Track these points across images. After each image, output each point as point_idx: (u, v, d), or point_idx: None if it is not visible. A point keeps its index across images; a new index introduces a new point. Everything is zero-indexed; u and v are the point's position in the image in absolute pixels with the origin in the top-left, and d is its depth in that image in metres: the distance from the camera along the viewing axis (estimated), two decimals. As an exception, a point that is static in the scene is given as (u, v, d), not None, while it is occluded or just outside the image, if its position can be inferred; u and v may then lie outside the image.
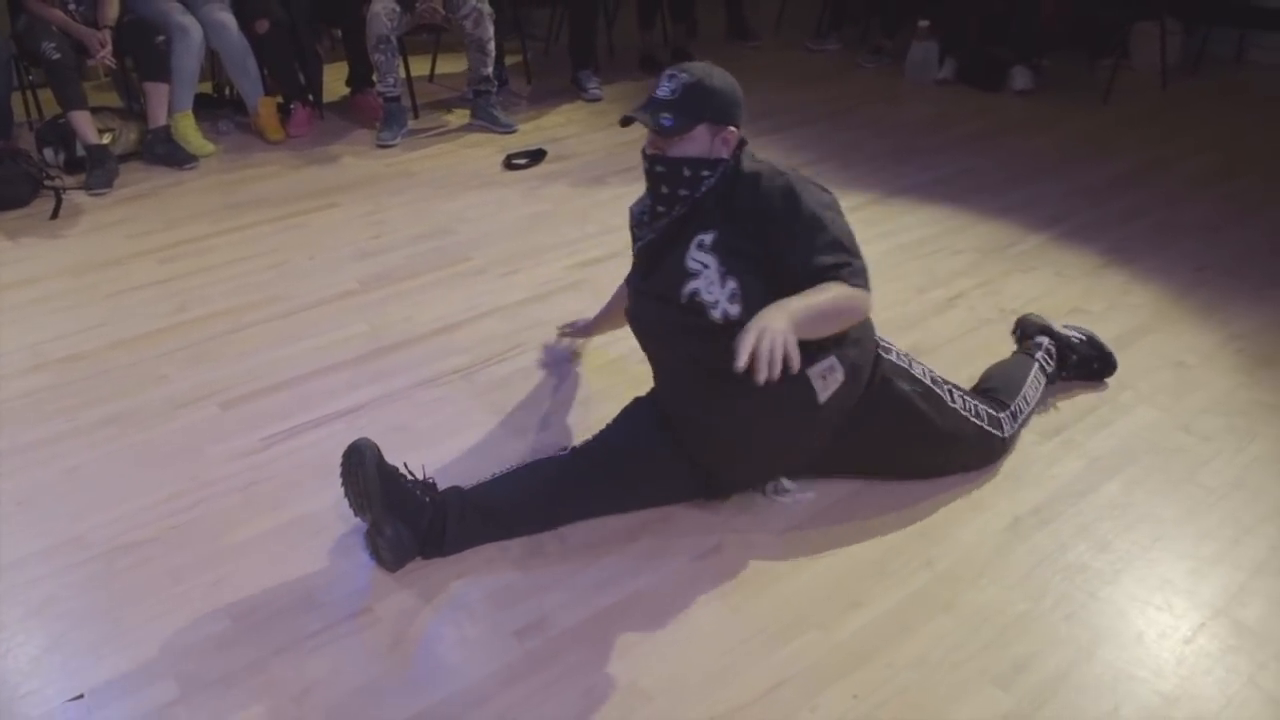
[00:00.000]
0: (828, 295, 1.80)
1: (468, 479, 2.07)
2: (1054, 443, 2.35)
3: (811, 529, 2.07)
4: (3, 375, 2.60)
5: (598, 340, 2.70)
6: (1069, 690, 1.71)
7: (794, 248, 1.85)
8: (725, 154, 1.93)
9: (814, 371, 1.92)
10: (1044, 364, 2.46)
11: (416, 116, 4.45)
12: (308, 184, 3.78)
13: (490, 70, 4.34)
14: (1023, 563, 1.99)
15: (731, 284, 1.89)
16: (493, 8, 4.26)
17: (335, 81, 4.64)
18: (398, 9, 4.14)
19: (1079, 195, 3.74)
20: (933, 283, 3.09)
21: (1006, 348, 2.72)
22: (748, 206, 1.90)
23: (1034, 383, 2.39)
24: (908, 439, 2.13)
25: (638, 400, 2.17)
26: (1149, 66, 5.04)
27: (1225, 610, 1.88)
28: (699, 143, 1.90)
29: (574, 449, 2.11)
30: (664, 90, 1.89)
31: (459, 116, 4.53)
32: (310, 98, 4.40)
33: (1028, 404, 2.34)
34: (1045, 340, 2.53)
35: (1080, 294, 3.02)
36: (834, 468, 2.17)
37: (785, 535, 2.05)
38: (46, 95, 3.94)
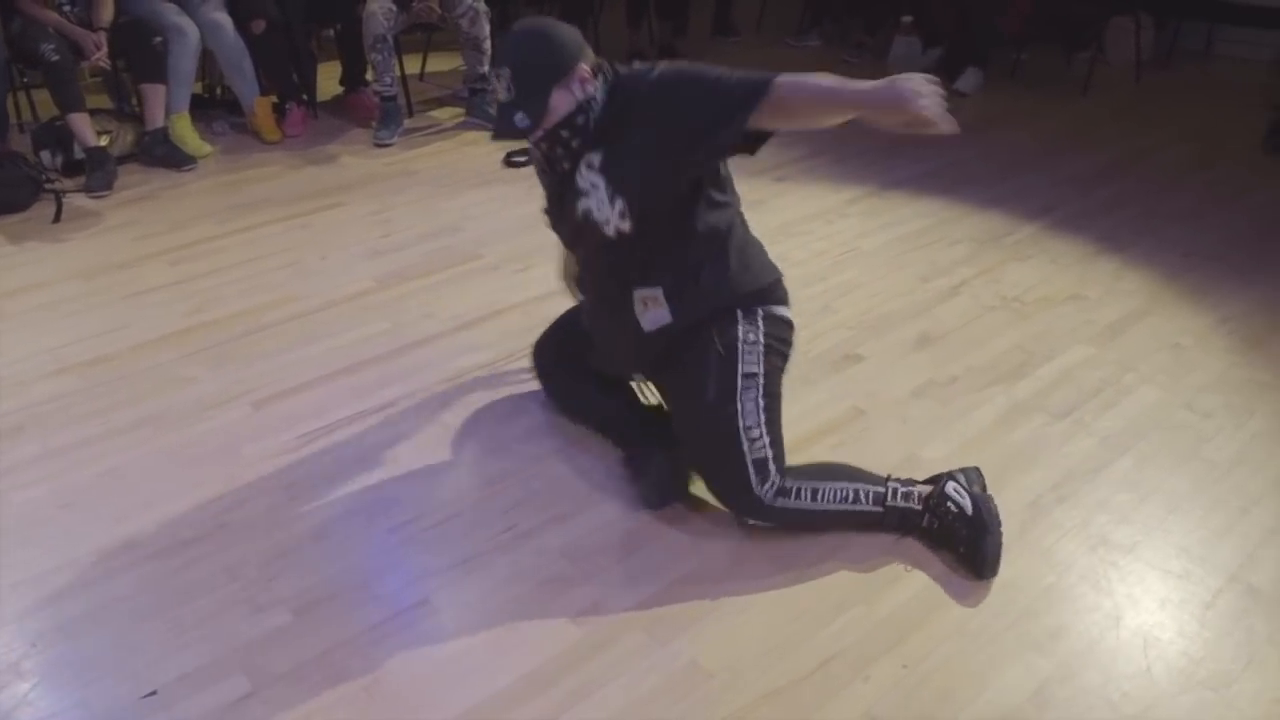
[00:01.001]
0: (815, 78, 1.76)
1: (498, 471, 2.12)
2: (1065, 423, 2.45)
3: (845, 510, 2.14)
4: (27, 379, 2.61)
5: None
6: (1102, 654, 1.80)
7: (698, 122, 1.81)
8: (590, 90, 1.87)
9: (638, 293, 2.00)
10: (889, 496, 2.06)
11: (411, 115, 4.48)
12: (310, 184, 3.80)
13: (486, 68, 4.38)
14: (1046, 537, 2.08)
15: (620, 202, 1.90)
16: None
17: (326, 81, 4.65)
18: (394, 8, 4.16)
19: (1066, 185, 3.86)
20: (935, 272, 3.18)
21: (1012, 333, 2.83)
22: (633, 117, 1.87)
23: (846, 494, 2.04)
24: (685, 393, 2.05)
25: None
26: (1123, 60, 5.18)
27: (1239, 575, 1.99)
28: (563, 104, 1.85)
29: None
30: (502, 94, 1.85)
31: (453, 114, 4.56)
32: (305, 97, 4.41)
33: (815, 499, 2.02)
34: (923, 490, 2.09)
35: (1076, 281, 3.13)
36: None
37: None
38: (39, 97, 3.92)
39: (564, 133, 1.90)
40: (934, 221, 3.53)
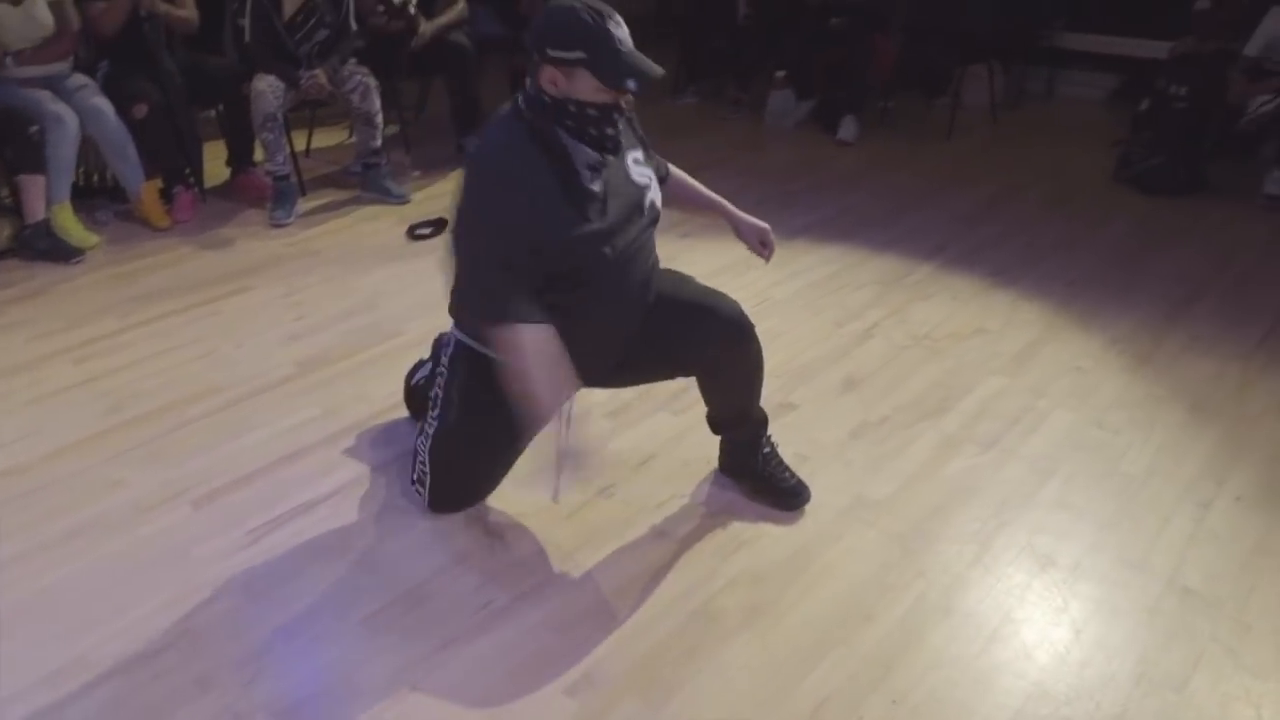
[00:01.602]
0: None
1: (462, 548, 2.11)
2: (994, 452, 2.60)
3: (810, 554, 2.22)
4: (-65, 498, 2.45)
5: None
6: (1070, 668, 1.92)
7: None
8: None
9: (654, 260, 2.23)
10: None
11: (304, 193, 4.41)
12: (211, 269, 3.69)
13: (379, 142, 4.36)
14: (997, 564, 2.20)
15: (657, 188, 2.16)
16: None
17: (211, 163, 4.53)
18: (282, 85, 4.12)
19: (952, 224, 4.11)
20: (847, 316, 3.33)
21: (929, 370, 2.99)
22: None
23: None
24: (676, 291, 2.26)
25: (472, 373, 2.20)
26: (978, 104, 5.55)
27: (1174, 579, 2.15)
28: None
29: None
30: (629, 39, 1.91)
31: (347, 191, 4.51)
32: (192, 181, 4.29)
33: None
34: None
35: (978, 314, 3.33)
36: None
37: (786, 564, 2.19)
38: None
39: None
40: (838, 267, 3.69)
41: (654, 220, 2.15)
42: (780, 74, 5.44)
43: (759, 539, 2.28)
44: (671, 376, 2.37)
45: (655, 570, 2.18)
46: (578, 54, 1.85)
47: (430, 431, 2.26)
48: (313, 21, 4.23)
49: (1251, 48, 4.45)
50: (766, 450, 2.40)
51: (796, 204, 4.31)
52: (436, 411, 2.25)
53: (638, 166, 2.10)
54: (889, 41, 5.41)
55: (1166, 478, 2.49)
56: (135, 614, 2.06)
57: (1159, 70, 4.78)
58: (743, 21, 5.81)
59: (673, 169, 2.38)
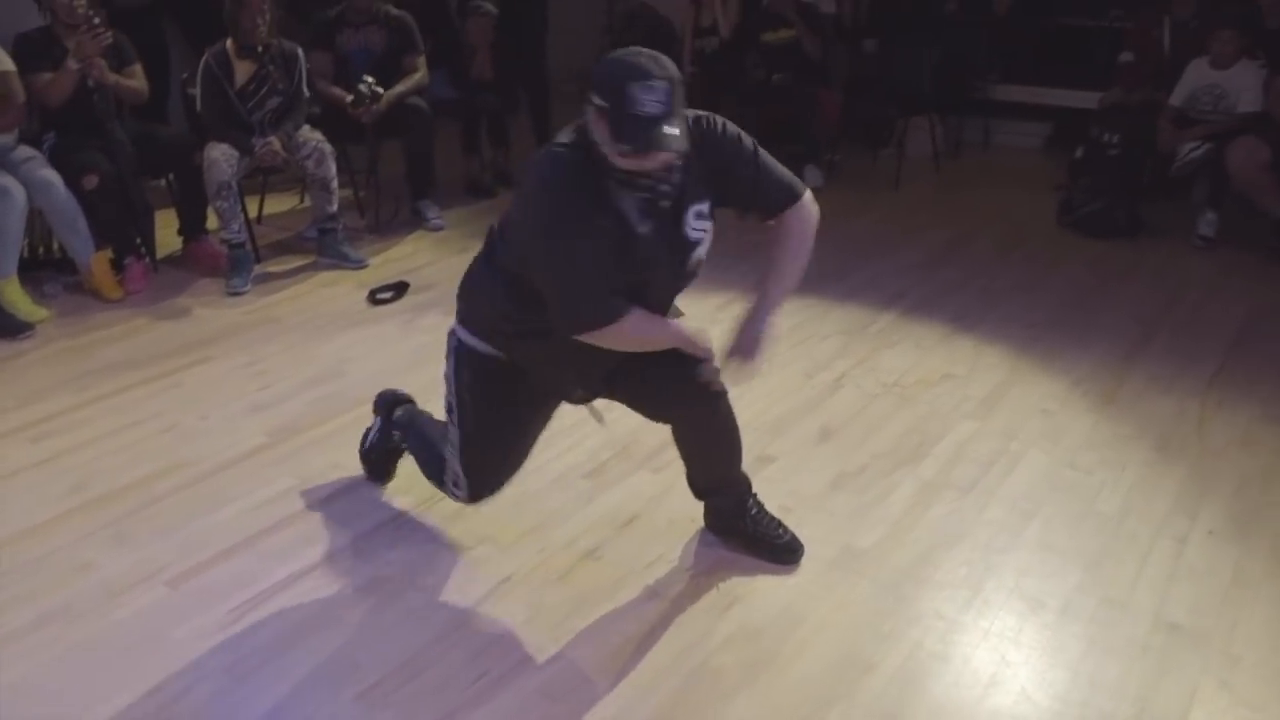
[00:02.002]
0: (800, 246, 2.15)
1: (453, 616, 2.07)
2: (973, 495, 2.64)
3: (804, 607, 2.21)
4: (-111, 591, 2.33)
5: (540, 460, 2.77)
6: (1075, 705, 1.93)
7: (756, 189, 2.06)
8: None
9: (674, 308, 2.24)
10: None
11: (259, 260, 4.36)
12: (168, 341, 3.61)
13: (335, 207, 4.34)
14: (989, 605, 2.22)
15: (709, 242, 2.09)
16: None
17: (161, 232, 4.45)
18: (236, 153, 4.08)
19: (908, 272, 4.20)
20: (816, 367, 3.37)
21: (902, 417, 3.03)
22: (715, 163, 1.99)
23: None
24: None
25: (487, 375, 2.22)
26: (921, 154, 5.72)
27: (1160, 615, 2.19)
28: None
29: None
30: (655, 107, 1.77)
31: (303, 256, 4.47)
32: (144, 251, 4.22)
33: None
34: None
35: (943, 361, 3.39)
36: None
37: (781, 617, 2.19)
38: None
39: (679, 161, 1.92)
40: (801, 319, 3.74)
41: (692, 275, 2.12)
42: (730, 129, 5.54)
43: (751, 594, 2.28)
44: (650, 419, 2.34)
45: (650, 631, 2.16)
46: (600, 102, 1.83)
47: (454, 440, 2.24)
48: (265, 89, 4.22)
49: (1176, 98, 4.66)
50: (754, 511, 2.40)
51: (749, 259, 4.34)
52: (455, 418, 2.24)
53: (698, 220, 2.02)
54: (833, 96, 5.56)
55: (1141, 516, 2.55)
56: (115, 703, 1.97)
57: (1091, 119, 4.97)
58: (687, 80, 5.91)
59: (789, 216, 2.13)
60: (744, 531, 2.39)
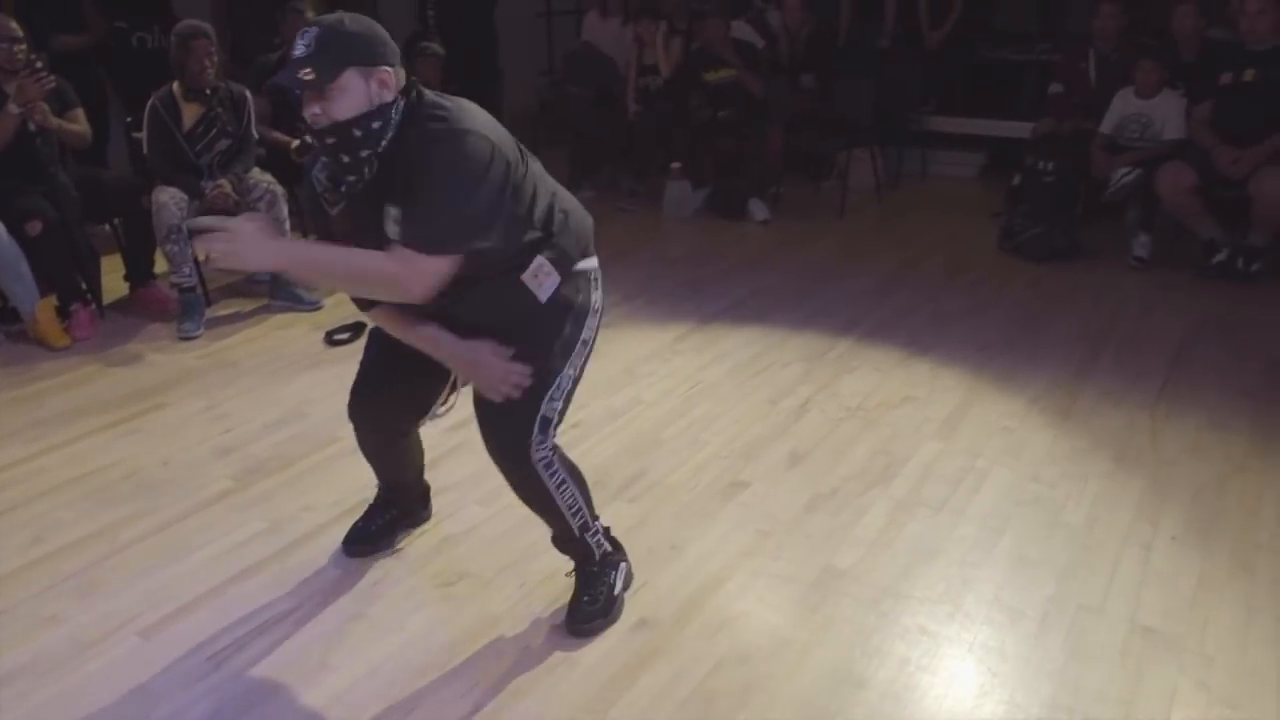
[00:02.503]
0: (369, 261, 1.85)
1: (439, 654, 2.05)
2: (944, 513, 2.69)
3: (791, 628, 2.23)
4: None
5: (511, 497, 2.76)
6: (1063, 711, 1.98)
7: (405, 214, 1.86)
8: (387, 97, 1.86)
9: (526, 276, 2.01)
10: (591, 530, 2.28)
11: (210, 304, 4.28)
12: (121, 387, 3.52)
13: (287, 249, 4.29)
14: (972, 618, 2.27)
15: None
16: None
17: (107, 277, 4.35)
18: (185, 196, 4.03)
19: (860, 299, 4.28)
20: (779, 393, 3.41)
21: (868, 439, 3.08)
22: (409, 167, 1.86)
23: (576, 505, 2.19)
24: (526, 348, 2.05)
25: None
26: (863, 185, 5.86)
27: (1135, 620, 2.25)
28: (355, 93, 1.82)
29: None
30: (300, 49, 1.80)
31: (253, 300, 4.41)
32: (90, 297, 4.12)
33: (559, 490, 2.15)
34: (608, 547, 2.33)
35: (903, 384, 3.46)
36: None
37: (769, 639, 2.21)
38: None
39: (357, 131, 1.84)
40: (761, 348, 3.79)
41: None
42: (675, 165, 5.62)
43: (738, 618, 2.29)
44: None
45: (640, 659, 2.16)
46: None
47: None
48: (214, 131, 4.18)
49: (1105, 126, 4.85)
50: (588, 577, 2.28)
51: (707, 289, 4.43)
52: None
53: (393, 224, 1.90)
54: (775, 131, 5.68)
55: (1106, 525, 2.62)
56: (95, 758, 1.91)
57: (1025, 148, 5.15)
58: (633, 117, 6.00)
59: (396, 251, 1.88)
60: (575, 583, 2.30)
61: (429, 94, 1.93)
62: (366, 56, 1.84)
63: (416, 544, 2.58)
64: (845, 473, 2.90)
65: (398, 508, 2.59)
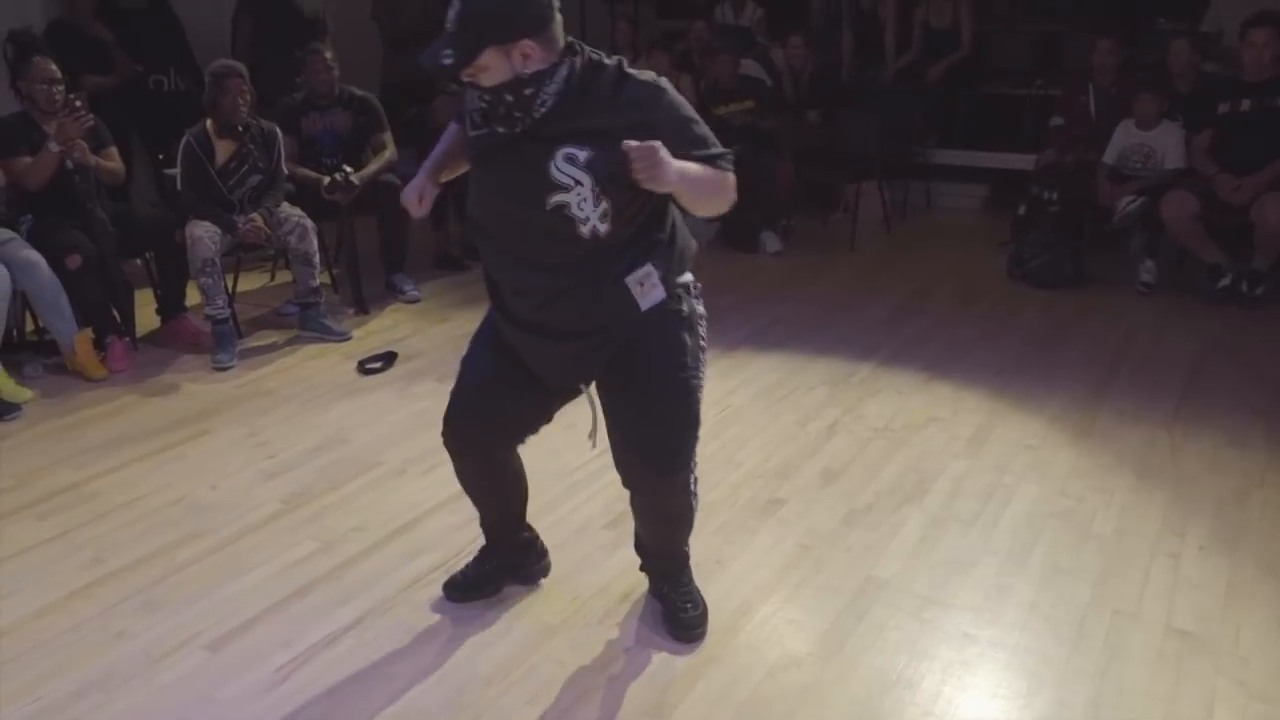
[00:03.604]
0: (712, 173, 1.97)
1: (500, 664, 2.13)
2: (978, 526, 2.78)
3: (838, 634, 2.31)
4: (-86, 672, 2.29)
5: (560, 512, 2.84)
6: (1108, 712, 2.05)
7: (676, 151, 1.87)
8: (533, 68, 1.86)
9: (632, 279, 2.01)
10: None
11: (241, 336, 4.37)
12: (163, 416, 3.60)
13: (317, 282, 4.39)
14: (1012, 625, 2.35)
15: (605, 204, 1.92)
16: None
17: (139, 309, 4.43)
18: (219, 230, 4.13)
19: (875, 327, 4.39)
20: (807, 416, 3.51)
21: (898, 458, 3.17)
22: (622, 120, 1.88)
23: (692, 518, 2.33)
24: (665, 377, 2.09)
25: (475, 338, 2.30)
26: (871, 217, 5.99)
27: (1170, 624, 2.34)
28: (496, 69, 1.85)
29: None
30: (449, 22, 1.85)
31: (283, 331, 4.49)
32: (124, 330, 4.20)
33: (693, 506, 2.29)
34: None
35: (927, 405, 3.56)
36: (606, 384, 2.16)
37: (819, 645, 2.28)
38: None
39: (509, 96, 1.88)
40: (785, 372, 3.89)
41: (552, 227, 1.96)
42: (689, 199, 5.75)
43: (786, 627, 2.37)
44: None
45: (695, 667, 2.23)
46: None
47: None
48: (246, 167, 4.30)
49: (1108, 156, 5.00)
50: (679, 584, 2.38)
51: (729, 318, 4.52)
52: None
53: (567, 164, 1.92)
54: (786, 164, 5.82)
55: (1135, 536, 2.71)
56: (176, 765, 1.97)
57: (1030, 179, 5.30)
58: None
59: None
60: (663, 596, 2.39)
61: (598, 55, 1.96)
62: (503, 32, 1.83)
63: (466, 561, 2.64)
64: (878, 489, 2.99)
65: (499, 557, 2.49)
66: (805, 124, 6.27)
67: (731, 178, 2.01)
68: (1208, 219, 4.55)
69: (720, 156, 1.99)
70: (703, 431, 3.28)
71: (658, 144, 1.82)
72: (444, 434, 2.30)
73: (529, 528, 2.53)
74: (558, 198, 1.93)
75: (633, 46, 6.60)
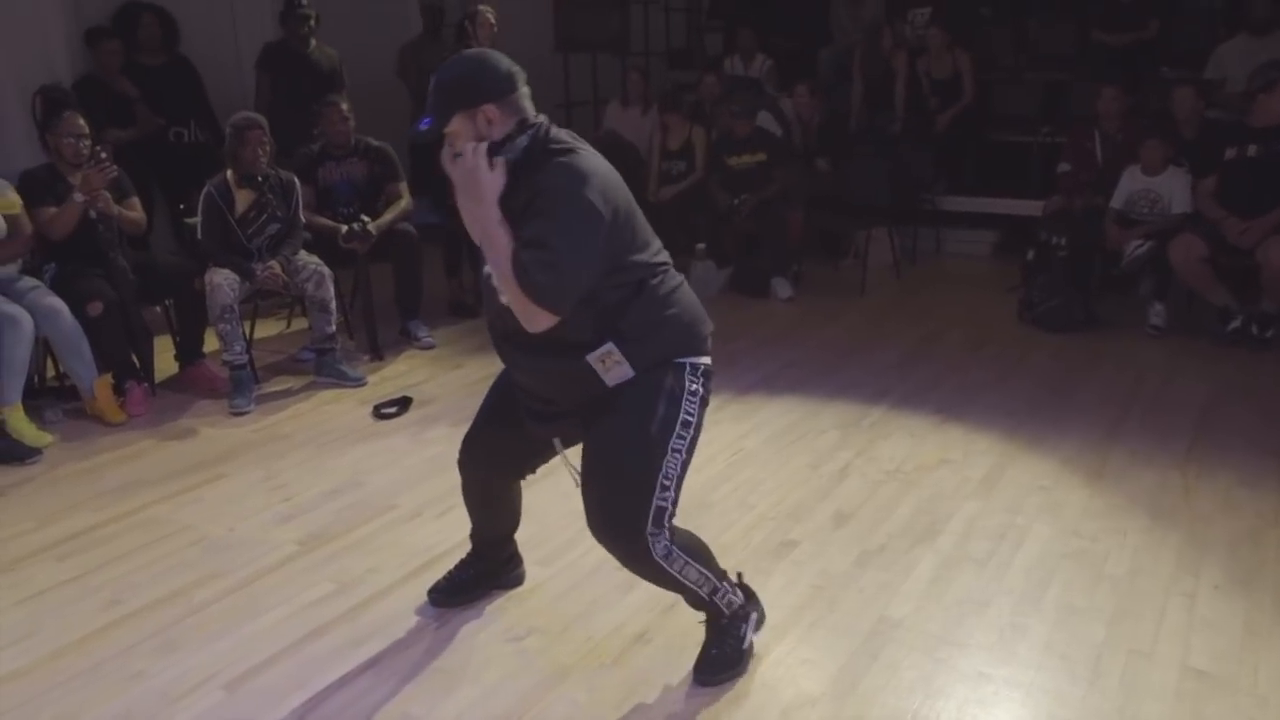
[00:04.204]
0: (508, 256, 1.94)
1: (517, 703, 2.13)
2: (991, 566, 2.78)
3: (853, 672, 2.31)
4: (-67, 712, 2.31)
5: (573, 555, 2.85)
6: (1124, 753, 2.05)
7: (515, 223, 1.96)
8: (496, 133, 1.99)
9: (593, 357, 2.06)
10: (720, 592, 2.32)
11: (258, 381, 4.42)
12: (180, 460, 3.64)
13: (333, 328, 4.45)
14: (1026, 664, 2.35)
15: None
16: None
17: (157, 356, 4.50)
18: (237, 278, 4.20)
19: (887, 371, 4.42)
20: (819, 459, 3.52)
21: (909, 500, 3.18)
22: (526, 195, 1.98)
23: (703, 580, 2.25)
24: (622, 441, 2.11)
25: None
26: (881, 263, 6.05)
27: (1186, 663, 2.33)
28: (464, 133, 2.00)
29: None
30: (429, 95, 2.04)
31: (298, 377, 4.54)
32: (143, 375, 4.26)
33: (682, 574, 2.20)
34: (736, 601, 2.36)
35: (938, 448, 3.57)
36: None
37: (835, 682, 2.28)
38: None
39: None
40: (796, 417, 3.91)
41: (490, 289, 2.11)
42: (701, 246, 5.82)
43: (799, 665, 2.37)
44: None
45: (709, 706, 2.24)
46: None
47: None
48: (264, 216, 4.38)
49: (1116, 201, 5.06)
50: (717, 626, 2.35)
51: (740, 362, 4.56)
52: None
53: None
54: (796, 211, 5.89)
55: (1149, 576, 2.71)
56: (193, 804, 1.97)
57: (1039, 224, 5.35)
58: (654, 199, 6.21)
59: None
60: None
61: (555, 130, 2.06)
62: (467, 99, 1.99)
63: (483, 602, 2.66)
64: (891, 530, 2.99)
65: (486, 562, 2.66)
66: (815, 172, 6.36)
67: (528, 284, 1.92)
68: (1216, 262, 4.59)
69: (530, 262, 1.91)
70: (715, 474, 3.39)
71: (486, 162, 1.95)
72: (463, 444, 2.50)
73: (514, 543, 2.70)
74: (486, 267, 2.07)
75: (644, 98, 6.73)
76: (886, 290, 5.83)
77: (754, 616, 2.38)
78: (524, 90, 2.06)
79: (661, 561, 2.14)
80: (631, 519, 2.10)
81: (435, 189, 5.54)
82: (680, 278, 2.23)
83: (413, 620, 2.59)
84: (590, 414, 2.15)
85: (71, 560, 2.94)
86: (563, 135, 2.08)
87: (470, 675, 2.36)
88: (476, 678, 2.35)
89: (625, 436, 2.10)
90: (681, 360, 2.14)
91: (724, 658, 2.32)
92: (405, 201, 5.00)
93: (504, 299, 2.04)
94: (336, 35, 5.98)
